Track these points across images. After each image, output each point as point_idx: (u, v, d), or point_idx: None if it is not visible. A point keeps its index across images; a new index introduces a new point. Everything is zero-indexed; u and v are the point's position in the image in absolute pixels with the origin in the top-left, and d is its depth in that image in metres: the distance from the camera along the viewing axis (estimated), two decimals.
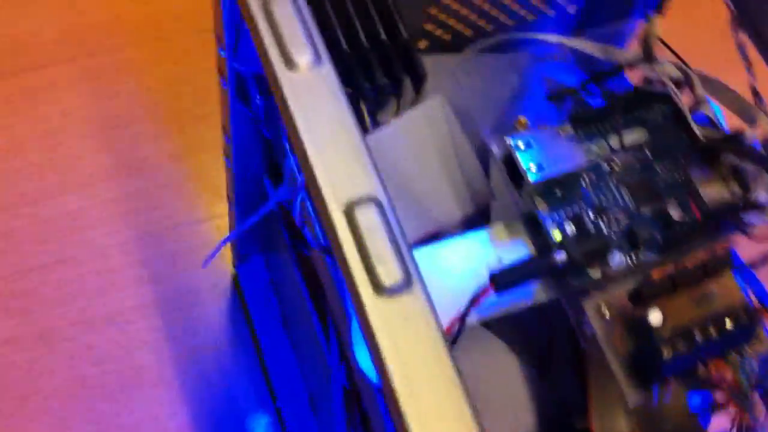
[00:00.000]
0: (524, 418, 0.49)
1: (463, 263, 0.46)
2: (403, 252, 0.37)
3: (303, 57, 0.41)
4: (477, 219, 0.50)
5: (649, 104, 0.50)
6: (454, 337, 0.42)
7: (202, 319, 0.95)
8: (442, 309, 0.37)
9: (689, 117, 0.46)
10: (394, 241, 0.37)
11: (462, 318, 0.42)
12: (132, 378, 0.91)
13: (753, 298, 0.46)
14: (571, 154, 0.46)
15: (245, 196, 0.79)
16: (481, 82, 0.58)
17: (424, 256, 0.46)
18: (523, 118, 0.49)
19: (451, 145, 0.51)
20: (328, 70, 0.41)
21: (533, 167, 0.45)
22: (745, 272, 0.47)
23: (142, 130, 1.05)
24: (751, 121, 0.50)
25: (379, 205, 0.38)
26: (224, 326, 0.95)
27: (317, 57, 0.41)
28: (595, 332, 0.43)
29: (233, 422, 0.91)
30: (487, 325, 0.51)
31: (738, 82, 0.51)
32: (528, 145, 0.46)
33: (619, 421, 0.45)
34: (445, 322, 0.41)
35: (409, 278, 0.37)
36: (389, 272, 0.37)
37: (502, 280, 0.42)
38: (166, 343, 0.93)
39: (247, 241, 0.91)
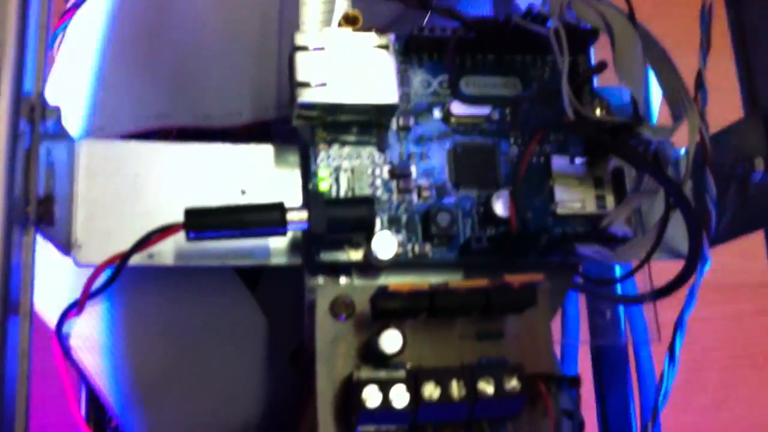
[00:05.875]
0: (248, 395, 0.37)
1: (193, 173, 0.33)
2: None
3: None
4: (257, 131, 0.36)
5: (533, 48, 0.35)
6: (110, 279, 0.29)
7: None
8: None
9: (565, 84, 0.31)
10: None
11: (124, 256, 0.29)
12: None
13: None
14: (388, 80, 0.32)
15: None
16: None
17: (150, 150, 0.32)
18: (353, 12, 0.34)
19: (264, 31, 0.37)
20: None
21: (316, 81, 0.31)
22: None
23: None
24: (677, 116, 0.35)
25: None
26: None
27: None
28: (314, 334, 0.30)
29: None
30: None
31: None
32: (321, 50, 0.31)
33: None
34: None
35: None
36: None
37: (197, 222, 0.29)
38: None
39: None
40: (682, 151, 0.37)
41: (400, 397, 0.28)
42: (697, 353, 0.73)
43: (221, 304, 0.36)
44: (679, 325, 0.35)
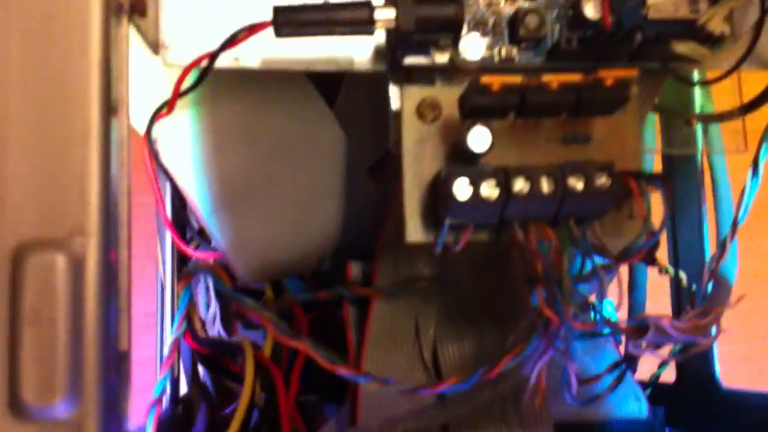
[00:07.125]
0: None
1: None
2: (86, 354, 0.23)
3: None
4: None
5: None
6: (198, 79, 0.30)
7: None
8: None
9: None
10: (75, 333, 0.23)
11: (213, 55, 0.29)
12: None
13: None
14: None
15: None
16: None
17: None
18: None
19: None
20: None
21: None
22: None
23: None
24: None
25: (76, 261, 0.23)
26: None
27: None
28: (401, 135, 0.30)
29: None
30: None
31: None
32: None
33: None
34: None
35: (81, 405, 0.23)
36: (42, 382, 0.22)
37: (285, 19, 0.29)
38: None
39: None
40: None
41: (490, 190, 0.28)
42: (765, 196, 0.72)
43: (301, 117, 0.37)
44: (765, 137, 0.34)
